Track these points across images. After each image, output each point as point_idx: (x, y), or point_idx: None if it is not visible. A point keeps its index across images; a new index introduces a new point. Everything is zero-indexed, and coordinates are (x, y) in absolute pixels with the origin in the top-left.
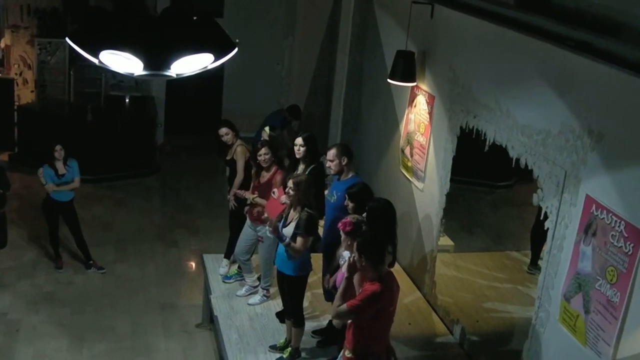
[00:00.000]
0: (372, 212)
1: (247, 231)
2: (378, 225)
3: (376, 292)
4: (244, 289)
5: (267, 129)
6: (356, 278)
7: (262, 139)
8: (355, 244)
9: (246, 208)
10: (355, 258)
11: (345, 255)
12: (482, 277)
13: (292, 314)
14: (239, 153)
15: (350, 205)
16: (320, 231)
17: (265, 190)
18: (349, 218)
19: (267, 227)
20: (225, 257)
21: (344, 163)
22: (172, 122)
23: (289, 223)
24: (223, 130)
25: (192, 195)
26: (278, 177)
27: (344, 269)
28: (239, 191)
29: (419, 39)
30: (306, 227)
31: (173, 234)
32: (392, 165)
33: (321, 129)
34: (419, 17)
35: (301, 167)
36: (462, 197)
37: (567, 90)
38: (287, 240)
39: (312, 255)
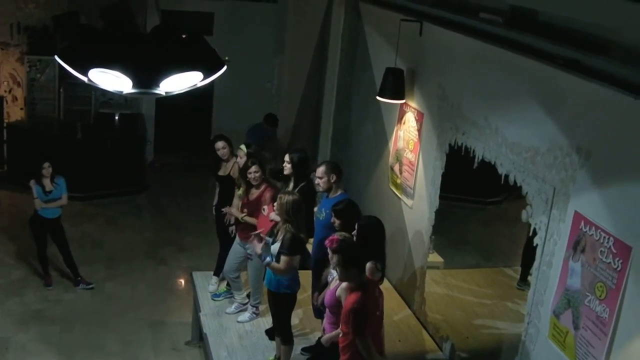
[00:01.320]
0: (362, 229)
1: (236, 249)
2: (367, 243)
3: (358, 302)
4: (233, 307)
5: (242, 147)
6: (340, 290)
7: (238, 157)
8: (335, 261)
9: (231, 228)
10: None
11: (333, 273)
12: (472, 294)
13: (280, 331)
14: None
15: (337, 222)
16: (310, 248)
17: (254, 208)
18: (336, 236)
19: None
20: (214, 274)
21: (332, 180)
22: (162, 139)
23: (276, 240)
24: (220, 144)
25: (182, 213)
26: (267, 195)
27: (332, 286)
28: (227, 209)
29: (408, 56)
30: (289, 247)
31: (163, 251)
32: (381, 182)
33: (311, 146)
34: (408, 34)
35: (291, 184)
36: (451, 213)
37: (556, 107)
38: (267, 259)
39: (302, 272)
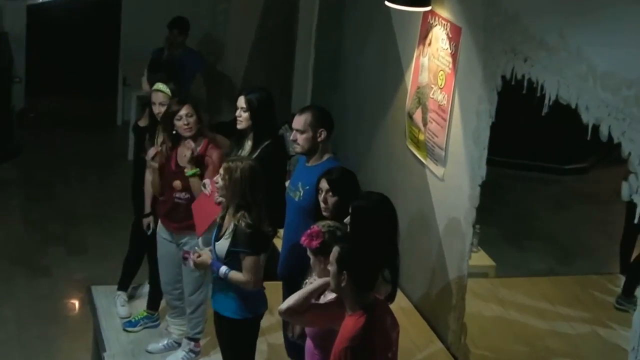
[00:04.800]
0: (359, 214)
1: (167, 248)
2: (368, 234)
3: (359, 335)
4: (161, 343)
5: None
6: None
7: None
8: (332, 255)
9: (147, 221)
10: (330, 274)
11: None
12: (541, 317)
13: None
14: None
15: (330, 201)
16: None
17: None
18: (317, 227)
19: (199, 240)
20: (119, 288)
21: (320, 138)
22: (38, 75)
23: (223, 235)
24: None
25: (74, 193)
26: (215, 154)
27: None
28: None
29: None
30: (250, 242)
31: (44, 255)
32: (393, 140)
33: (280, 85)
34: None
35: (248, 144)
36: (507, 189)
37: None
38: (223, 269)
39: (268, 284)
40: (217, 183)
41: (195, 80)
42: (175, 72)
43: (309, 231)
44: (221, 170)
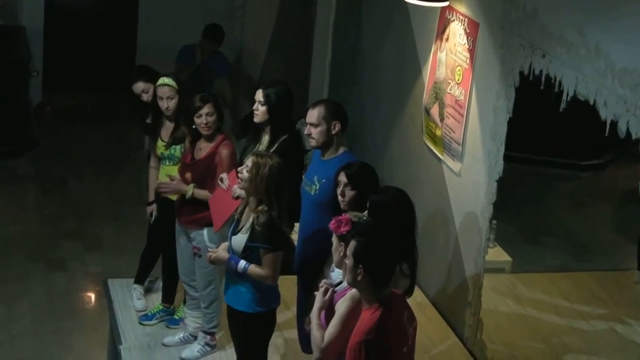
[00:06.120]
0: (377, 209)
1: (180, 239)
2: (386, 229)
3: (375, 329)
4: (177, 336)
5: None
6: (343, 307)
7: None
8: (349, 249)
9: (150, 209)
10: (345, 267)
11: (335, 277)
12: (557, 313)
13: None
14: None
15: (348, 195)
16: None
17: (201, 175)
18: (348, 215)
19: (204, 234)
20: (136, 281)
21: (334, 131)
22: (55, 69)
23: (240, 229)
24: (139, 87)
25: (90, 188)
26: (224, 152)
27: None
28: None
29: None
30: (270, 238)
31: (59, 250)
32: (409, 135)
33: (297, 80)
34: None
35: (265, 138)
36: (524, 184)
37: None
38: (242, 264)
39: (283, 278)
40: (240, 174)
41: (219, 81)
42: (202, 74)
43: (339, 217)
44: (248, 163)
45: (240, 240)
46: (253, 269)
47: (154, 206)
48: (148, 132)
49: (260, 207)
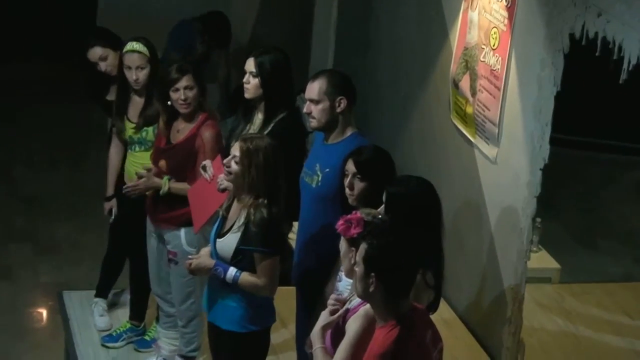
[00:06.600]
0: (396, 202)
1: (150, 241)
2: (405, 228)
3: (392, 351)
4: None
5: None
6: (355, 326)
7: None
8: (359, 254)
9: (109, 205)
10: (355, 277)
11: (342, 287)
12: (616, 332)
13: None
14: None
15: (359, 187)
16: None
17: (181, 162)
18: (359, 213)
19: (182, 236)
20: (98, 294)
21: (339, 108)
22: None
23: (229, 229)
24: (96, 53)
25: (42, 178)
26: (207, 134)
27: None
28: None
29: None
30: (268, 239)
31: (4, 255)
32: (434, 114)
33: (297, 49)
34: None
35: (259, 117)
36: (575, 174)
37: None
38: (232, 272)
39: (277, 290)
40: (228, 168)
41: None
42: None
43: (348, 216)
44: (236, 152)
45: (229, 242)
46: (246, 277)
47: (113, 201)
48: (107, 110)
49: (258, 201)
